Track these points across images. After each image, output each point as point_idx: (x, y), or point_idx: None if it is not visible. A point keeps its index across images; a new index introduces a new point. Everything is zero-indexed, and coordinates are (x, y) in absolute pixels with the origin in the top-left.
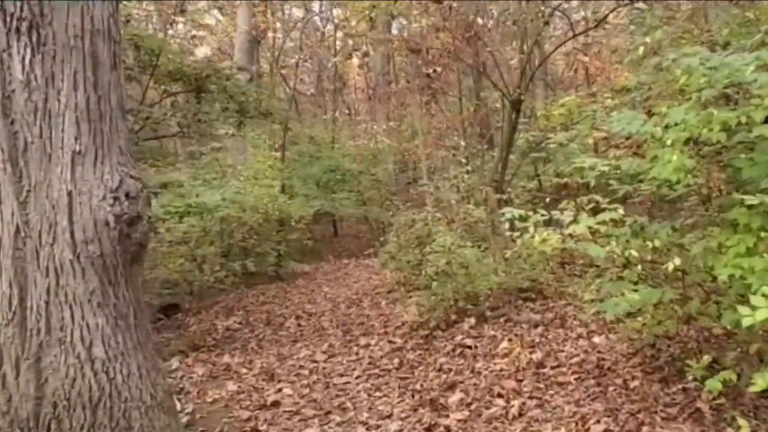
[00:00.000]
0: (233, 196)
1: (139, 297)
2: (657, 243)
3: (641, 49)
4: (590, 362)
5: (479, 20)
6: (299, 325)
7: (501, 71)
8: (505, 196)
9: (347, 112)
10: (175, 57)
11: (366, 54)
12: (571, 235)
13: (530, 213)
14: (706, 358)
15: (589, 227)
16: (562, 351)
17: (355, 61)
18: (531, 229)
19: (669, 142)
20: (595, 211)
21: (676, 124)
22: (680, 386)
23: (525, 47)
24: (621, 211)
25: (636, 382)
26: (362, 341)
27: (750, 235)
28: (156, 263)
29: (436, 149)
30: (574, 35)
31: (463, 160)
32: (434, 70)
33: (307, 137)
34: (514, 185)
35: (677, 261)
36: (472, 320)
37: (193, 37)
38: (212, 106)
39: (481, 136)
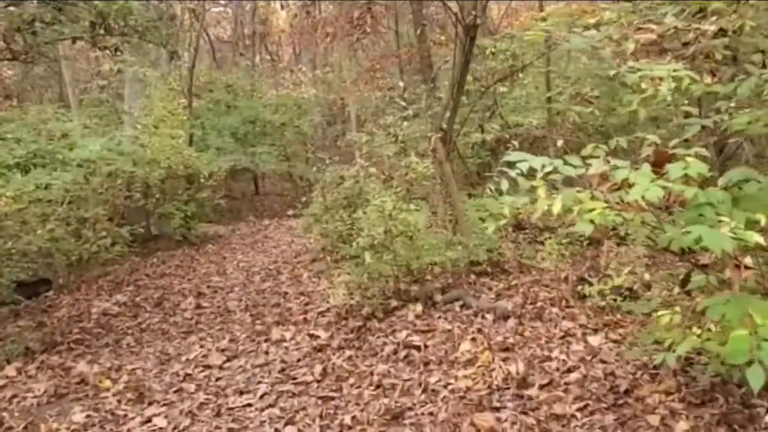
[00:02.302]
0: (121, 146)
1: None
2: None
3: None
4: (596, 380)
5: None
6: (199, 306)
7: None
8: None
9: (270, 59)
10: None
11: None
12: (618, 202)
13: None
14: None
15: (663, 188)
16: (550, 358)
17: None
18: (542, 192)
19: None
20: (656, 163)
21: None
22: None
23: None
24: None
25: (684, 424)
26: (275, 333)
27: None
28: (17, 230)
29: (370, 90)
30: None
31: (403, 103)
32: None
33: (223, 84)
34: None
35: None
36: (418, 307)
37: None
38: (57, 17)
39: (425, 71)
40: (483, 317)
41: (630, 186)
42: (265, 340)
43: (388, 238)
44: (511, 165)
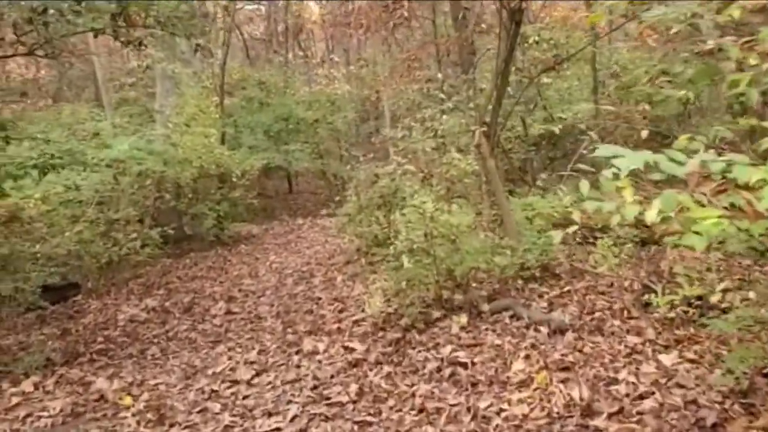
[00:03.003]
0: (151, 146)
1: None
2: None
3: None
4: (674, 409)
5: None
6: (229, 312)
7: None
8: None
9: (303, 55)
10: None
11: None
12: (726, 207)
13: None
14: None
15: None
16: (617, 381)
17: None
18: (629, 195)
19: None
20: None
21: None
22: None
23: None
24: None
25: None
26: (307, 344)
27: None
28: (44, 233)
29: (407, 82)
30: None
31: (443, 96)
32: None
33: (255, 81)
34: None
35: None
36: (463, 318)
37: None
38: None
39: (464, 61)
40: (536, 330)
41: (747, 187)
42: (297, 352)
43: (428, 241)
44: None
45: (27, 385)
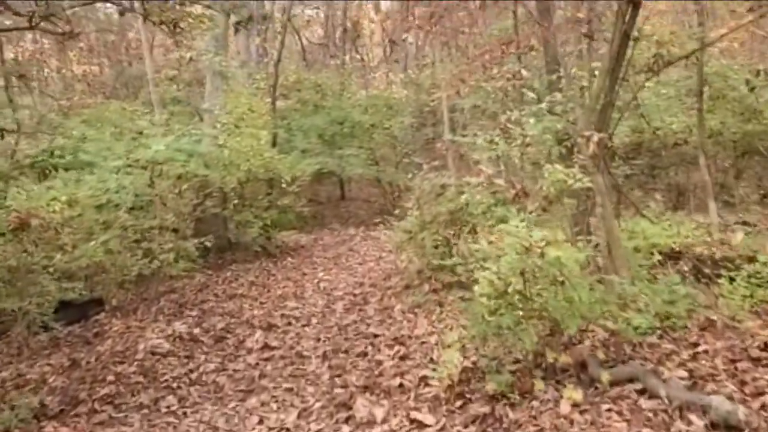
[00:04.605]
0: (194, 147)
1: None
2: None
3: None
4: None
5: None
6: (266, 346)
7: None
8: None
9: (360, 59)
10: None
11: None
12: None
13: None
14: None
15: None
16: None
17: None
18: None
19: None
20: None
21: None
22: None
23: None
24: None
25: None
26: (361, 408)
27: None
28: (64, 242)
29: (485, 80)
30: None
31: (531, 95)
32: None
33: (311, 84)
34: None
35: None
36: (576, 393)
37: None
38: None
39: (549, 57)
40: (684, 418)
41: None
42: (347, 419)
43: (527, 282)
44: None
45: None
